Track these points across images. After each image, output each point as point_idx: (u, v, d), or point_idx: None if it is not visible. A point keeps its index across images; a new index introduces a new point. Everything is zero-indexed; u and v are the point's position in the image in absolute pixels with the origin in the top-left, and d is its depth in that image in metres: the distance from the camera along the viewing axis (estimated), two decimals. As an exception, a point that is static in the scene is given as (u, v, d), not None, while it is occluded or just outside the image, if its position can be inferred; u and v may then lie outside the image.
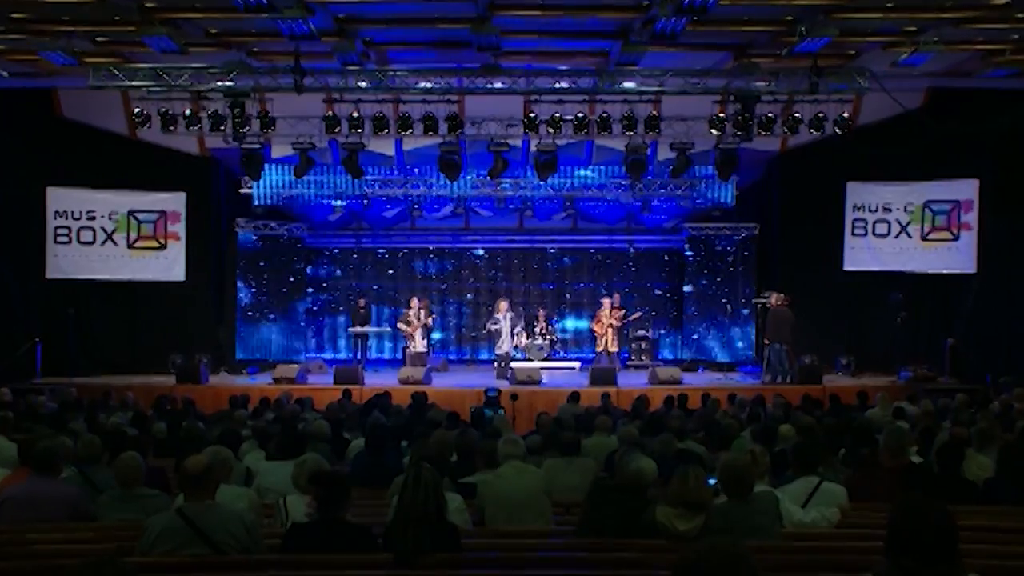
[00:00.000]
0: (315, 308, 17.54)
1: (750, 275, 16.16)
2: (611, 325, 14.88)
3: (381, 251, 17.75)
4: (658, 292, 17.62)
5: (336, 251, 17.77)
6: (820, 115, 12.41)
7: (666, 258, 17.61)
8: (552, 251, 17.85)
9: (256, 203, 15.48)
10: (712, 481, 4.14)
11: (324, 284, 17.70)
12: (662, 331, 17.12)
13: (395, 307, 17.18)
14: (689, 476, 3.96)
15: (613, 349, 14.91)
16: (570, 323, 17.61)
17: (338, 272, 17.76)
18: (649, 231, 17.49)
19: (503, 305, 15.16)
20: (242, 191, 15.38)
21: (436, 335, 16.64)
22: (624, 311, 15.40)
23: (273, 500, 4.85)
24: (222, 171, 15.52)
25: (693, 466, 4.16)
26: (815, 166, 14.69)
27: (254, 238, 16.19)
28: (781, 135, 13.39)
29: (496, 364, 15.01)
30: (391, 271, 17.80)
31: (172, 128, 12.57)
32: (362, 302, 15.79)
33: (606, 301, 15.25)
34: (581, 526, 4.31)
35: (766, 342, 13.90)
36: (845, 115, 12.49)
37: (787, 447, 5.82)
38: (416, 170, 15.54)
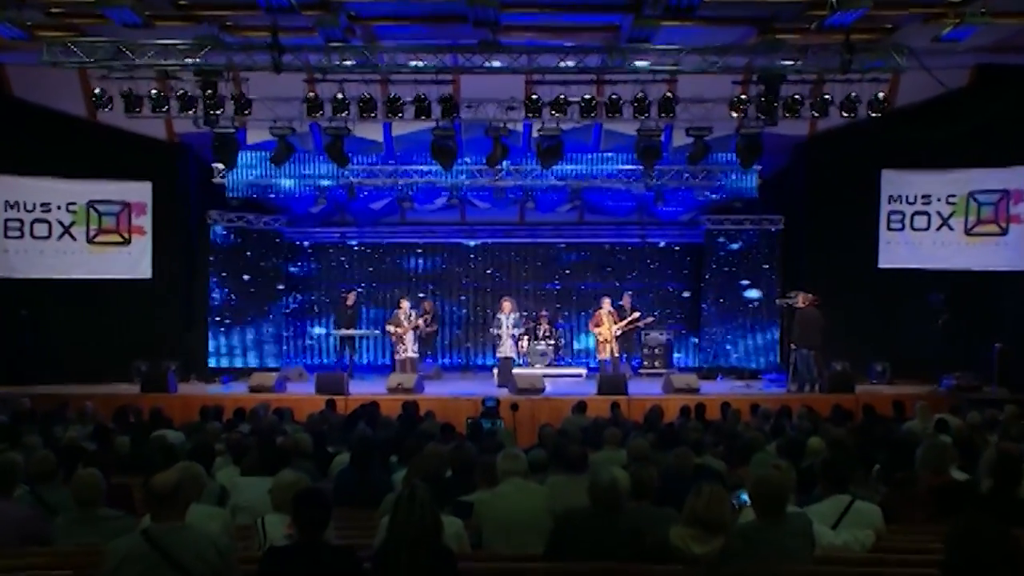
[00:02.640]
0: (295, 309, 17.56)
1: (775, 273, 16.18)
2: (620, 330, 14.94)
3: (368, 246, 17.78)
4: (673, 292, 17.64)
5: (319, 246, 17.79)
6: (853, 96, 12.40)
7: (682, 254, 17.62)
8: (556, 247, 17.87)
9: (230, 194, 15.50)
10: (744, 498, 4.15)
11: (306, 283, 17.73)
12: (678, 333, 17.13)
13: (383, 307, 17.20)
14: (704, 493, 3.97)
15: (616, 355, 14.97)
16: (576, 326, 17.62)
17: (321, 270, 17.79)
18: (663, 224, 17.50)
19: (507, 305, 15.19)
20: (214, 180, 15.39)
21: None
22: (635, 313, 15.43)
23: (249, 521, 4.86)
24: (192, 158, 15.53)
25: (709, 483, 4.17)
26: (847, 152, 14.68)
27: (228, 232, 16.19)
28: (809, 118, 13.40)
29: (496, 371, 15.05)
30: (379, 268, 17.84)
31: (136, 110, 12.57)
32: (350, 300, 15.81)
33: (605, 301, 15.30)
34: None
35: (792, 347, 13.90)
36: (880, 96, 12.48)
37: (815, 463, 5.79)
38: (407, 157, 15.55)
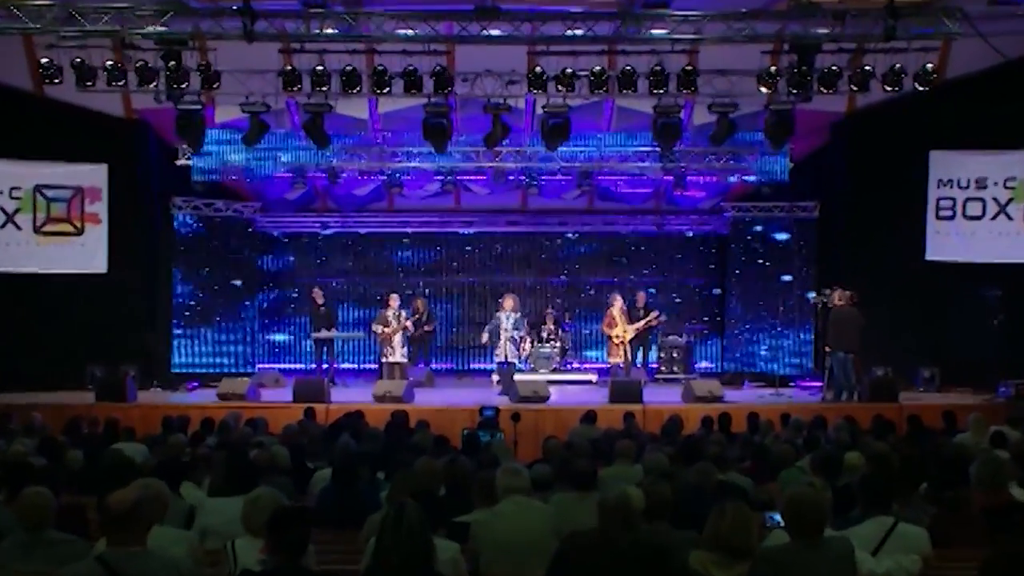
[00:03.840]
0: (270, 307, 17.59)
1: (808, 267, 16.23)
2: (626, 332, 15.00)
3: (352, 237, 17.80)
4: (694, 288, 17.66)
5: (296, 237, 17.81)
6: (897, 68, 12.35)
7: (704, 246, 17.62)
8: (563, 237, 17.88)
9: (196, 178, 15.48)
10: (775, 519, 4.16)
11: (281, 277, 17.76)
12: (699, 335, 17.16)
13: (369, 306, 17.22)
14: (728, 513, 3.97)
15: (618, 360, 15.05)
16: (585, 326, 17.63)
17: (298, 263, 17.81)
18: (683, 212, 17.55)
19: (508, 303, 15.22)
20: (178, 163, 15.39)
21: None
22: (653, 312, 15.46)
23: (218, 545, 4.87)
24: (152, 138, 15.53)
25: (734, 501, 4.17)
26: (890, 131, 14.67)
27: (194, 221, 16.22)
28: (848, 93, 13.35)
29: (495, 377, 15.05)
30: (364, 261, 17.86)
31: (90, 84, 12.55)
32: (318, 297, 15.87)
33: (617, 298, 15.32)
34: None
35: (827, 350, 13.89)
36: (929, 67, 12.43)
37: (854, 480, 5.81)
38: (395, 137, 15.55)
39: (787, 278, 16.35)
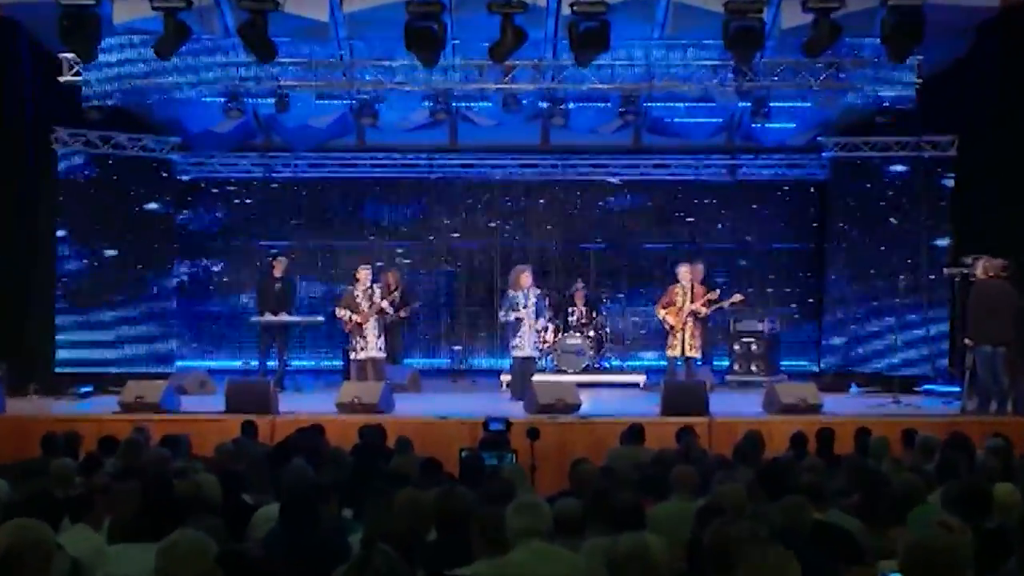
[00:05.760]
0: (193, 281, 17.63)
1: (940, 226, 16.22)
2: (693, 313, 14.92)
3: (307, 185, 17.85)
4: (780, 254, 17.62)
5: (230, 185, 17.82)
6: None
7: (794, 197, 17.56)
8: (599, 186, 17.84)
9: (89, 102, 15.43)
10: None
11: (209, 241, 17.80)
12: (787, 320, 17.25)
13: (330, 281, 17.21)
14: (770, 559, 3.95)
15: (693, 353, 15.08)
16: (629, 307, 17.63)
17: (233, 220, 17.83)
18: (766, 151, 17.46)
19: (524, 278, 15.17)
20: (63, 80, 15.32)
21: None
22: (716, 291, 15.43)
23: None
24: (25, 44, 15.53)
25: (772, 547, 4.16)
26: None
27: (86, 162, 16.28)
28: (1001, -20, 13.29)
29: (506, 378, 15.18)
30: (324, 219, 17.83)
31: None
32: (278, 268, 15.93)
33: (683, 270, 15.35)
34: None
35: (968, 342, 13.89)
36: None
37: (1008, 522, 5.84)
38: (366, 48, 15.51)
39: (910, 242, 16.31)
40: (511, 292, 15.21)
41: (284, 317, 15.79)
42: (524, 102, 16.16)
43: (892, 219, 16.44)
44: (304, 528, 6.20)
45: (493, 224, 18.03)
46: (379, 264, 16.94)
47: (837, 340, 16.66)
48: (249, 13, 13.14)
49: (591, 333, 16.09)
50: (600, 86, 15.66)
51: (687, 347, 15.07)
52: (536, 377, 14.51)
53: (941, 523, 5.04)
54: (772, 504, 6.49)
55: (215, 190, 17.91)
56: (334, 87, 15.85)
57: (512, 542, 5.13)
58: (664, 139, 17.44)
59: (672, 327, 15.16)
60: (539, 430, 11.45)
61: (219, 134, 16.88)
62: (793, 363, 17.17)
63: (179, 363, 16.78)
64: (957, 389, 14.55)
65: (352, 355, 15.17)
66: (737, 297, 15.82)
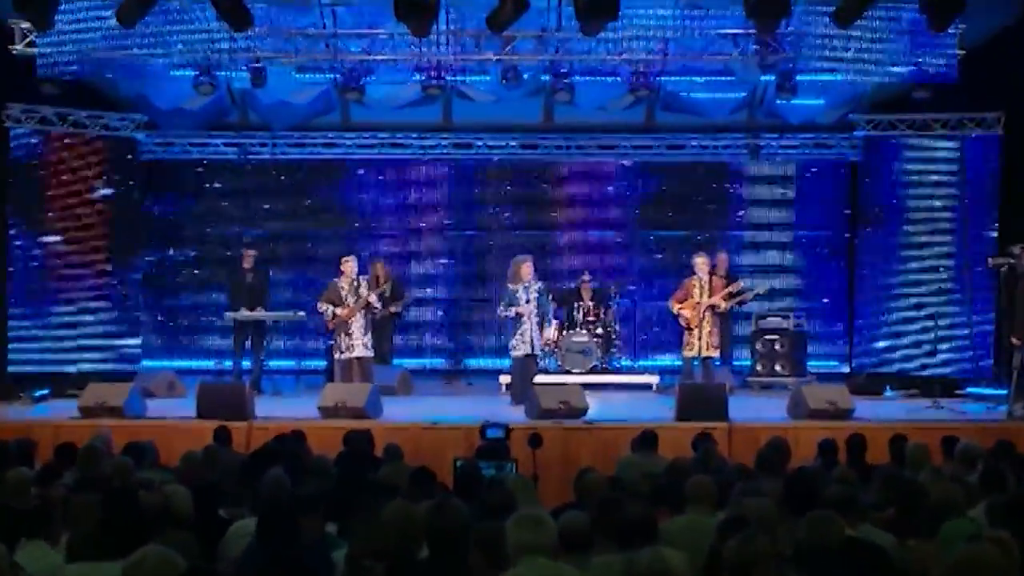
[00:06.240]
0: (160, 273, 17.61)
1: (985, 212, 16.18)
2: (711, 308, 14.95)
3: (286, 167, 17.89)
4: (807, 243, 17.59)
5: (201, 167, 17.79)
6: None
7: (823, 180, 17.56)
8: (609, 168, 17.81)
9: (44, 73, 15.35)
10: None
11: (177, 229, 17.74)
12: (815, 316, 17.20)
13: (311, 274, 17.19)
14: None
15: (711, 353, 15.05)
16: (641, 302, 17.62)
17: (203, 207, 17.79)
18: (792, 129, 17.44)
19: (526, 269, 15.12)
20: (15, 50, 15.27)
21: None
22: (737, 282, 15.38)
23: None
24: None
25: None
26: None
27: (40, 142, 16.24)
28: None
29: (506, 380, 15.13)
30: (303, 205, 17.80)
31: None
32: (247, 260, 15.96)
33: (700, 260, 15.32)
34: None
35: (1016, 341, 13.87)
36: None
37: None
38: (352, 16, 15.47)
39: (951, 229, 16.28)
40: (510, 285, 15.12)
41: (260, 313, 15.79)
42: (525, 76, 16.15)
43: (931, 204, 16.32)
44: (283, 544, 6.20)
45: (491, 210, 17.97)
46: (365, 254, 16.92)
47: (870, 338, 16.55)
48: (223, -23, 13.11)
49: (599, 330, 16.09)
50: (609, 58, 15.69)
51: (705, 346, 15.02)
52: (538, 378, 14.53)
53: (988, 538, 4.97)
54: (799, 518, 6.43)
55: (184, 173, 17.87)
56: (316, 59, 15.85)
57: (513, 559, 5.13)
58: (680, 117, 17.43)
59: (688, 323, 15.11)
60: (542, 437, 11.49)
61: (189, 111, 16.83)
62: (821, 363, 17.20)
63: (145, 363, 16.78)
64: (1003, 392, 14.50)
65: (336, 354, 15.11)
66: (760, 290, 15.80)
